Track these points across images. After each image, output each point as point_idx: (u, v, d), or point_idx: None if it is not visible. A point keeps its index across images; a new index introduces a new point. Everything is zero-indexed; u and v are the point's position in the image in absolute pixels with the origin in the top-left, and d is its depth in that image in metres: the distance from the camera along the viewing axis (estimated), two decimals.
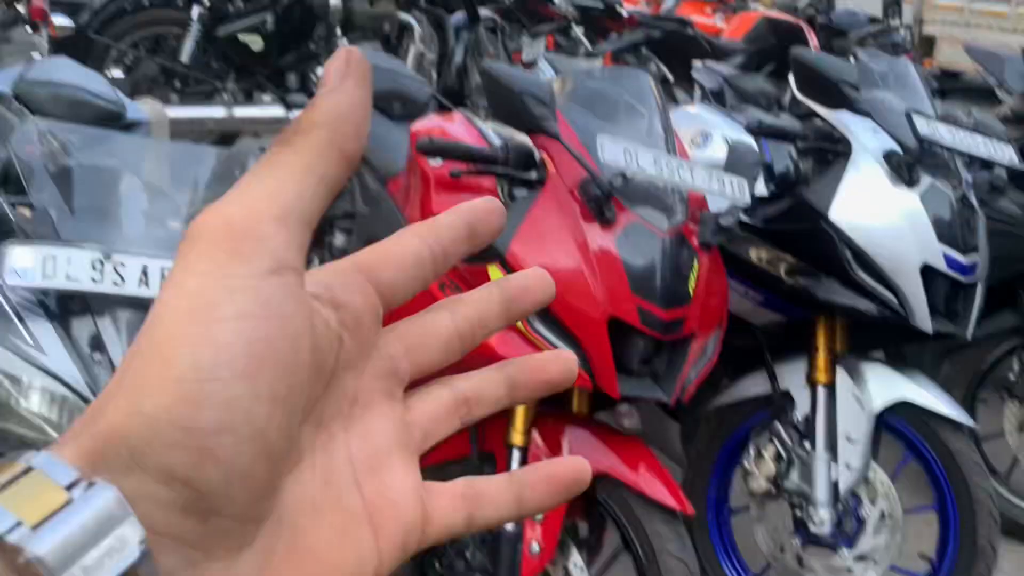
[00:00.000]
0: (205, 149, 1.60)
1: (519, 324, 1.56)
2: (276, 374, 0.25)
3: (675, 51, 5.09)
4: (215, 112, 4.33)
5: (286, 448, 0.27)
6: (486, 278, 1.60)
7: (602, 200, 1.55)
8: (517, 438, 1.72)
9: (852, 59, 3.90)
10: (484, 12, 5.38)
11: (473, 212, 0.32)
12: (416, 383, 0.33)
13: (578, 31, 5.78)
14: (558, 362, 0.34)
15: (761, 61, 4.75)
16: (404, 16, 4.73)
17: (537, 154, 1.67)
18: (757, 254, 2.06)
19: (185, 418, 0.24)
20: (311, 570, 0.28)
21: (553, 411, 1.80)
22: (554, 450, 1.71)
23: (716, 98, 3.36)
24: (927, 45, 9.06)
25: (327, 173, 0.27)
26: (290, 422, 0.26)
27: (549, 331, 1.56)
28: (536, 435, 1.72)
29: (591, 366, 1.56)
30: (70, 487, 0.23)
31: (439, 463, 1.88)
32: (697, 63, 3.61)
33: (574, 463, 0.34)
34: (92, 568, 0.23)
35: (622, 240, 1.57)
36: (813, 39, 4.69)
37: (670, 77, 5.16)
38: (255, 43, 4.23)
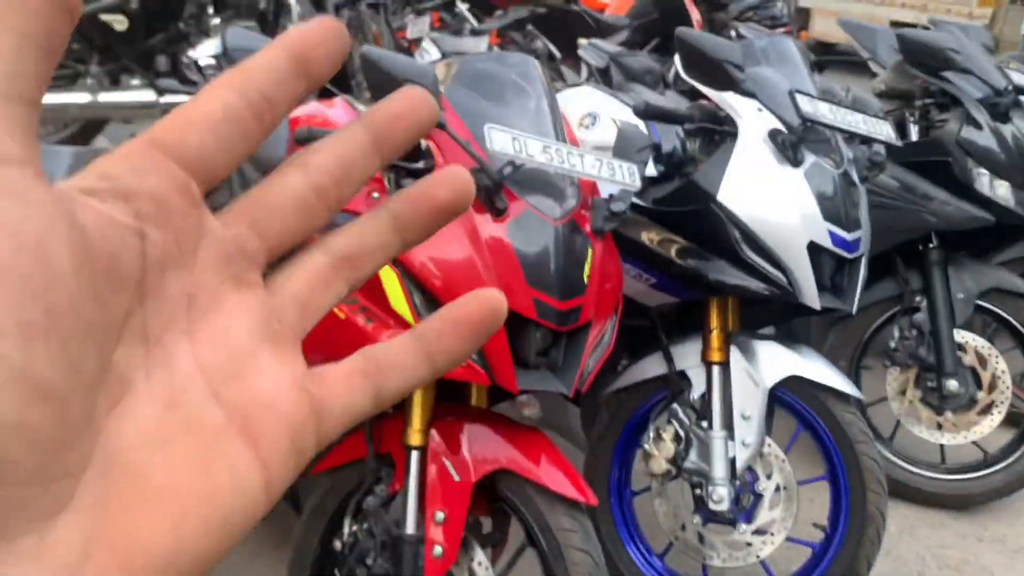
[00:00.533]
0: (59, 149, 1.46)
1: (411, 320, 1.50)
2: (16, 295, 0.20)
3: (561, 27, 5.09)
4: (78, 98, 4.06)
5: (80, 383, 0.21)
6: (377, 276, 1.53)
7: (492, 190, 1.50)
8: (415, 438, 1.66)
9: (733, 33, 3.96)
10: None
11: (301, 38, 0.26)
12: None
13: (463, 7, 5.70)
14: (448, 180, 0.29)
15: (646, 36, 4.79)
16: None
17: (424, 143, 1.60)
18: (649, 236, 2.05)
19: None
20: (172, 510, 0.23)
21: (451, 407, 1.75)
22: (453, 448, 1.66)
23: (603, 76, 3.35)
24: (803, 17, 9.38)
25: (32, 28, 0.21)
26: (71, 350, 0.21)
27: None
28: (435, 433, 1.67)
29: (488, 362, 1.51)
30: None
31: (334, 467, 1.81)
32: (583, 41, 3.59)
33: (487, 297, 0.29)
34: None
35: (514, 230, 1.52)
36: (695, 13, 4.76)
37: (557, 54, 5.15)
38: (119, 23, 3.98)
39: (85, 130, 4.30)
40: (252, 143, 0.26)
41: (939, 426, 2.70)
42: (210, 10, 4.36)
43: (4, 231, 0.20)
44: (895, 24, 6.59)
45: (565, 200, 1.62)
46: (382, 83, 1.52)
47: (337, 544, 1.77)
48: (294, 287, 0.27)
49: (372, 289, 1.54)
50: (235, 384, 0.25)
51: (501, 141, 1.48)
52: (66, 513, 0.21)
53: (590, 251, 1.62)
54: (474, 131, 1.55)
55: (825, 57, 3.70)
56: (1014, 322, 2.65)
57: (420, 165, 1.61)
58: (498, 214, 1.52)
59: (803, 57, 2.13)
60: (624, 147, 1.72)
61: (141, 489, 0.23)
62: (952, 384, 2.61)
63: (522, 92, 1.70)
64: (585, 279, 1.59)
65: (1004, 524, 2.67)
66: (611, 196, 1.68)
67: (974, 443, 2.71)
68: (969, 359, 2.66)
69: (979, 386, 2.66)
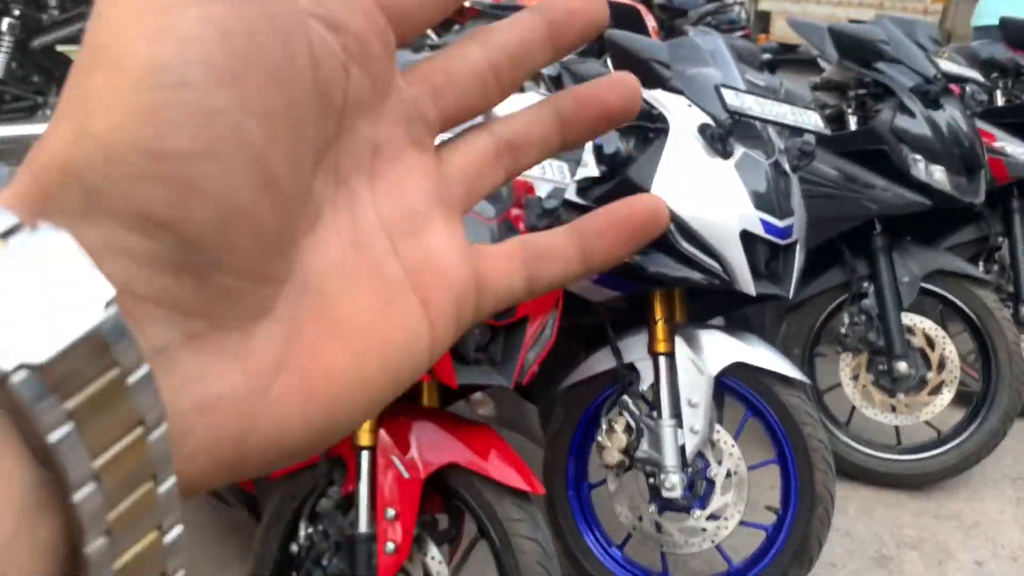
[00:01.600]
0: None
1: None
2: (268, 81, 0.20)
3: None
4: (38, 129, 4.08)
5: (297, 189, 0.21)
6: None
7: None
8: (364, 438, 1.70)
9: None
10: None
11: (564, 6, 0.27)
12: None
13: None
14: (618, 85, 0.28)
15: (603, 46, 4.86)
16: None
17: None
18: None
19: (150, 138, 0.18)
20: (355, 345, 0.23)
21: (400, 407, 1.79)
22: (402, 446, 1.70)
23: (555, 84, 3.41)
24: (764, 20, 9.54)
25: None
26: (297, 152, 0.21)
27: None
28: (383, 433, 1.70)
29: None
30: (5, 235, 0.17)
31: (289, 473, 1.85)
32: None
33: (651, 201, 0.29)
34: (36, 333, 0.17)
35: None
36: (651, 20, 4.84)
37: None
38: (75, 53, 4.00)
39: None
40: (448, 9, 0.26)
41: (892, 408, 2.76)
42: None
43: (263, 14, 0.20)
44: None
45: (498, 200, 1.67)
46: None
47: (294, 548, 1.80)
48: (463, 163, 0.27)
49: None
50: (412, 242, 0.25)
51: None
52: (268, 321, 0.22)
53: None
54: None
55: (778, 56, 3.77)
56: (959, 303, 2.72)
57: None
58: None
59: (733, 55, 2.19)
60: None
61: (330, 318, 0.23)
62: (902, 366, 2.67)
63: None
64: None
65: (960, 500, 2.73)
66: (543, 195, 1.73)
67: (927, 423, 2.77)
68: (918, 341, 2.73)
69: (928, 367, 2.72)
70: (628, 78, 0.29)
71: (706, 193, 1.94)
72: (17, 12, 3.88)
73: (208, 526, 2.45)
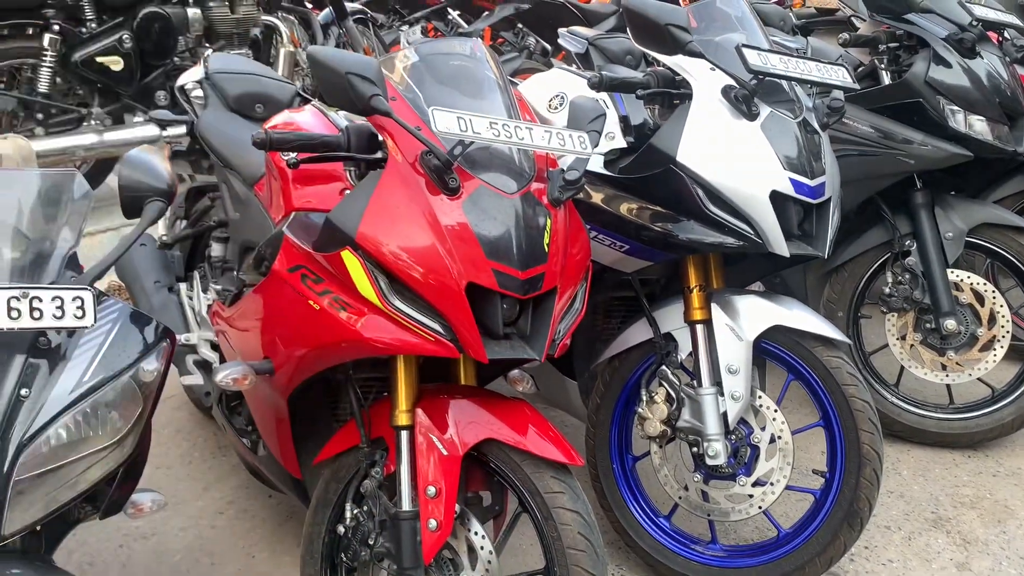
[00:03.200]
0: (25, 173, 1.55)
1: (379, 303, 1.56)
2: None
3: (548, 21, 5.12)
4: (85, 139, 4.19)
5: None
6: (342, 263, 1.59)
7: (443, 170, 1.56)
8: (402, 418, 1.72)
9: None
10: (352, 5, 5.32)
11: None
12: None
13: (454, 14, 5.78)
14: None
15: None
16: (267, 18, 4.64)
17: (379, 135, 1.67)
18: (626, 206, 2.09)
19: None
20: None
21: (436, 386, 1.81)
22: (440, 425, 1.71)
23: (583, 61, 3.39)
24: None
25: None
26: None
27: (409, 307, 1.56)
28: (420, 412, 1.72)
29: (457, 335, 1.57)
30: None
31: (333, 456, 1.88)
32: (562, 30, 3.63)
33: None
34: None
35: (469, 207, 1.58)
36: None
37: (549, 48, 5.20)
38: (115, 63, 4.10)
39: (94, 171, 4.44)
40: None
41: (943, 367, 2.70)
42: (204, 42, 4.48)
43: None
44: None
45: (519, 174, 1.67)
46: (329, 80, 1.58)
47: (341, 529, 1.83)
48: None
49: (340, 278, 1.61)
50: None
51: (445, 121, 1.53)
52: None
53: (549, 221, 1.67)
54: (424, 116, 1.61)
55: (812, 20, 3.70)
56: (1008, 255, 2.65)
57: (378, 156, 1.68)
58: (452, 193, 1.57)
59: (754, 15, 2.16)
60: (577, 118, 1.76)
61: None
62: (950, 323, 2.61)
63: (471, 74, 1.76)
64: (546, 248, 1.64)
65: (1019, 457, 2.67)
66: (565, 167, 1.72)
67: (980, 380, 2.70)
68: (966, 297, 2.67)
69: (979, 322, 2.66)
70: None
71: (733, 156, 1.91)
72: (57, 27, 3.98)
73: (264, 514, 2.50)
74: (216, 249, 2.59)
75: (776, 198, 1.90)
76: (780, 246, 1.91)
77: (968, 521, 2.38)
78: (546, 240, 1.65)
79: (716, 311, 2.08)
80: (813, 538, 2.04)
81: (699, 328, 2.08)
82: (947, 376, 2.70)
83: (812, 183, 1.94)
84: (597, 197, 2.10)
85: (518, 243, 1.59)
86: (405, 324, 1.57)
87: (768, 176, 1.90)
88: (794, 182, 1.92)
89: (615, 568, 2.27)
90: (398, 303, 1.56)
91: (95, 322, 1.32)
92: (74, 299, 1.30)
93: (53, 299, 1.28)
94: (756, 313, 2.06)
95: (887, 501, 2.47)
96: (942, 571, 2.19)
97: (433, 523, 1.66)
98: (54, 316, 1.27)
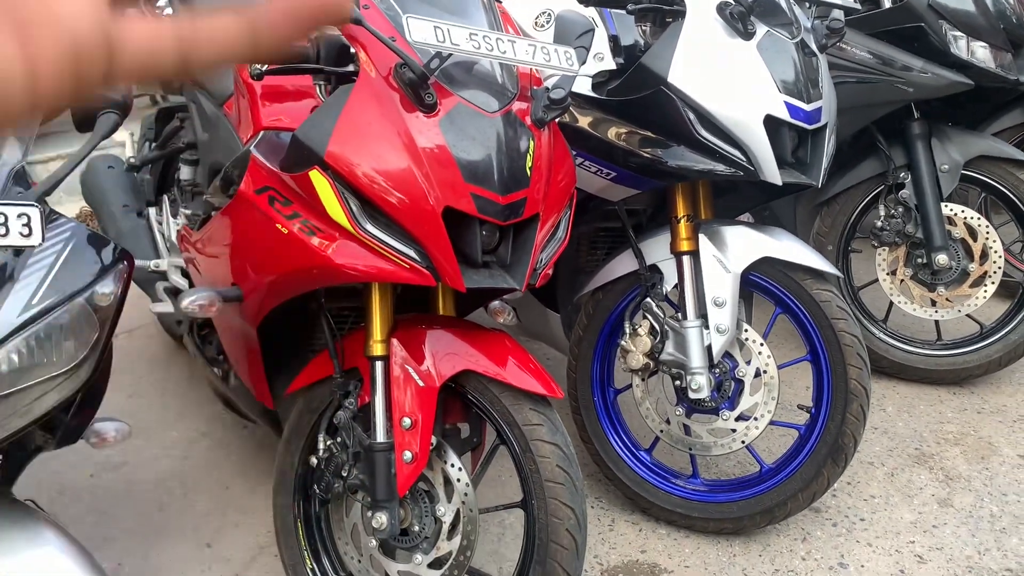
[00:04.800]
0: None
1: (350, 228, 1.48)
2: None
3: None
4: None
5: None
6: (311, 184, 1.50)
7: (418, 84, 1.46)
8: (376, 348, 1.66)
9: None
10: None
11: None
12: None
13: None
14: None
15: None
16: None
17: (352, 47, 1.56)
18: (614, 131, 2.00)
19: None
20: None
21: (412, 316, 1.74)
22: (416, 356, 1.65)
23: None
24: None
25: None
26: None
27: (383, 232, 1.48)
28: (395, 343, 1.66)
29: (434, 263, 1.49)
30: None
31: (306, 387, 1.82)
32: None
33: None
34: None
35: (447, 125, 1.48)
36: None
37: None
38: None
39: None
40: None
41: (932, 303, 2.66)
42: None
43: None
44: None
45: (501, 92, 1.57)
46: None
47: (314, 461, 1.78)
48: None
49: (309, 201, 1.52)
50: None
51: (421, 31, 1.43)
52: None
53: (532, 142, 1.58)
54: (399, 27, 1.50)
55: None
56: (1004, 189, 2.58)
57: (349, 68, 1.57)
58: (428, 110, 1.48)
59: None
60: (564, 33, 1.65)
61: None
62: (942, 258, 2.56)
63: None
64: (528, 171, 1.56)
65: (1004, 395, 2.64)
66: (550, 86, 1.63)
67: (969, 316, 2.66)
68: (959, 231, 2.61)
69: (970, 258, 2.61)
70: None
71: (727, 77, 1.82)
72: None
73: (238, 445, 2.46)
74: (185, 172, 2.48)
75: (770, 123, 1.82)
76: (773, 174, 1.83)
77: (951, 458, 2.36)
78: (528, 163, 1.56)
79: (703, 242, 2.01)
80: (796, 473, 2.01)
81: (686, 259, 2.02)
82: (936, 312, 2.66)
83: (808, 107, 1.85)
84: (583, 121, 2.00)
85: (499, 166, 1.50)
86: (379, 250, 1.49)
87: (762, 99, 1.81)
88: (789, 106, 1.83)
89: (594, 500, 2.25)
90: (371, 228, 1.48)
91: (43, 241, 1.23)
92: (20, 215, 1.21)
93: None
94: (745, 244, 1.99)
95: (871, 437, 2.45)
96: (924, 507, 2.17)
97: (408, 455, 1.61)
98: None
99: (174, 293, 2.43)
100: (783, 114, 1.82)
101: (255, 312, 1.75)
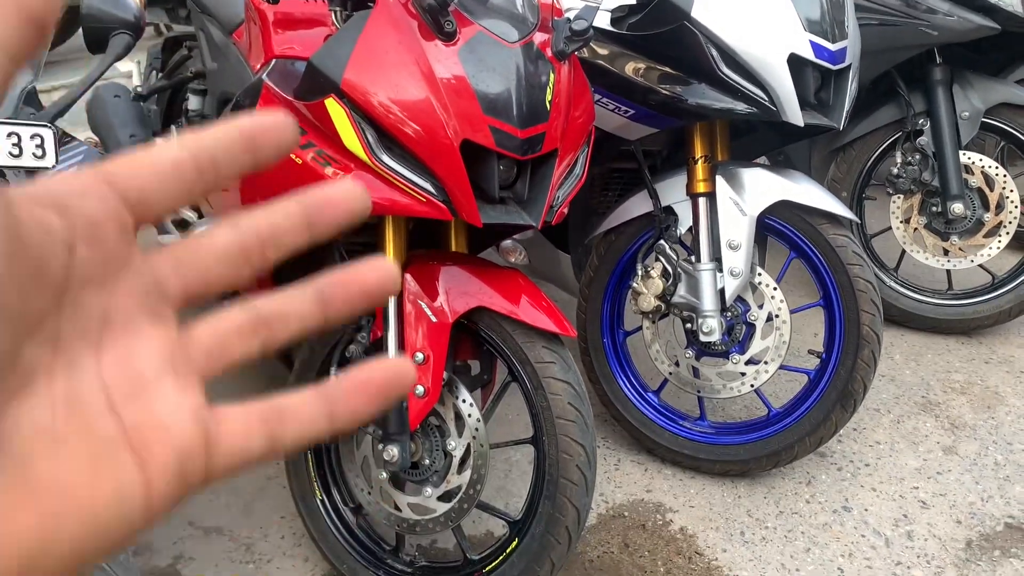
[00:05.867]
0: None
1: (366, 159, 1.46)
2: None
3: None
4: None
5: None
6: (326, 113, 1.48)
7: (437, 11, 1.42)
8: None
9: None
10: None
11: (254, 123, 0.29)
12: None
13: None
14: (375, 271, 0.31)
15: None
16: None
17: None
18: (633, 66, 1.96)
19: None
20: (49, 506, 0.24)
21: (425, 252, 1.73)
22: (430, 292, 1.64)
23: None
24: None
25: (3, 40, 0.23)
26: None
27: (399, 164, 1.46)
28: (409, 278, 1.65)
29: (451, 197, 1.47)
30: None
31: None
32: None
33: (395, 365, 0.31)
34: None
35: (466, 55, 1.45)
36: None
37: None
38: None
39: (62, 22, 4.19)
40: (191, 196, 0.28)
41: (945, 252, 2.64)
42: None
43: None
44: None
45: (522, 22, 1.54)
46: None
47: None
48: (205, 335, 0.29)
49: (324, 130, 1.49)
50: (134, 403, 0.26)
51: None
52: None
53: (552, 76, 1.54)
54: None
55: None
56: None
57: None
58: (448, 38, 1.44)
59: None
60: None
61: (25, 479, 0.24)
62: (957, 207, 2.53)
63: None
64: (548, 105, 1.53)
65: (1013, 345, 2.64)
66: (571, 16, 1.59)
67: (981, 267, 2.65)
68: (975, 180, 2.57)
69: (986, 207, 2.58)
70: (385, 266, 0.31)
71: (751, 13, 1.77)
72: None
73: (248, 378, 2.46)
74: (193, 102, 2.44)
75: (794, 62, 1.78)
76: (795, 115, 1.80)
77: (957, 406, 2.37)
78: (548, 97, 1.53)
79: (720, 183, 1.98)
80: (805, 418, 2.02)
81: (701, 201, 1.99)
82: (948, 261, 2.64)
83: (833, 47, 1.81)
84: (602, 56, 1.96)
85: (518, 99, 1.47)
86: (394, 182, 1.47)
87: (787, 37, 1.77)
88: (814, 45, 1.79)
89: (600, 440, 2.26)
90: (387, 159, 1.45)
91: (57, 163, 1.21)
92: (32, 136, 1.18)
93: (9, 135, 1.16)
94: (762, 187, 1.96)
95: (878, 384, 2.45)
96: (929, 454, 2.19)
97: (420, 389, 1.61)
98: (10, 154, 1.16)
99: (181, 225, 2.41)
100: (808, 53, 1.78)
101: None
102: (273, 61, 1.68)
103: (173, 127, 2.58)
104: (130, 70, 3.85)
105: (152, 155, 0.28)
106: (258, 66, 1.76)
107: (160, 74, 2.76)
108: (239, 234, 0.29)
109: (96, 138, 2.92)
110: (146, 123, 2.68)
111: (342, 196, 0.30)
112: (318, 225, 0.30)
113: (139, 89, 2.63)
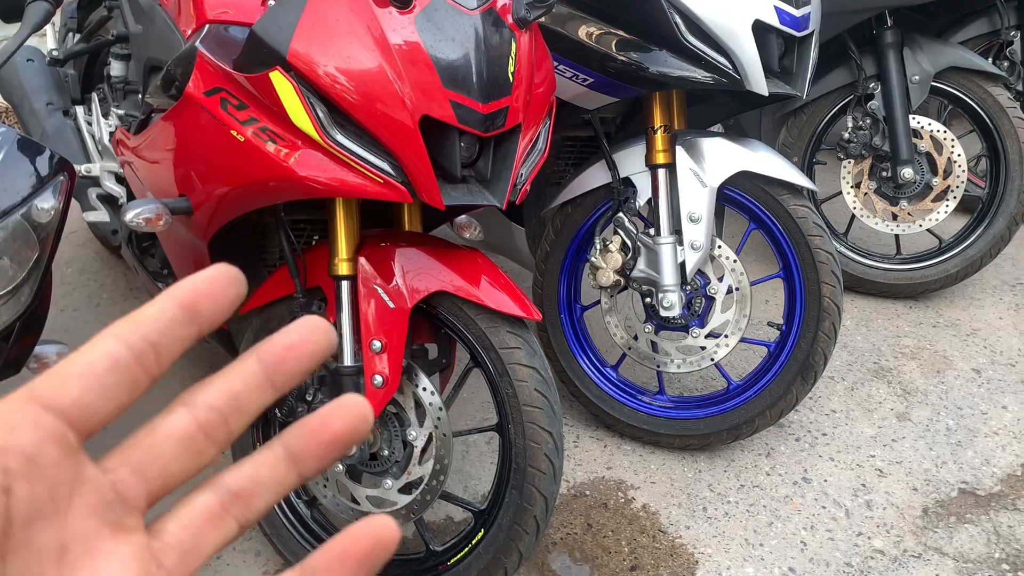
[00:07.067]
0: None
1: (317, 136, 1.35)
2: None
3: None
4: None
5: None
6: (271, 87, 1.36)
7: None
8: (342, 267, 1.55)
9: None
10: None
11: (192, 289, 0.27)
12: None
13: None
14: (342, 412, 0.29)
15: None
16: None
17: None
18: (585, 30, 1.87)
19: None
20: None
21: (380, 233, 1.63)
22: (385, 275, 1.55)
23: None
24: None
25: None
26: None
27: (354, 143, 1.35)
28: (363, 261, 1.55)
29: (409, 177, 1.37)
30: None
31: (262, 306, 1.71)
32: None
33: (372, 527, 0.28)
34: None
35: (423, 23, 1.35)
36: None
37: None
38: None
39: None
40: (139, 388, 0.26)
41: (894, 216, 2.65)
42: None
43: None
44: None
45: None
46: None
47: None
48: (177, 532, 0.27)
49: (269, 105, 1.38)
50: None
51: None
52: None
53: (514, 45, 1.45)
54: None
55: None
56: (970, 101, 2.55)
57: None
58: (403, 5, 1.33)
59: None
60: None
61: None
62: (907, 172, 2.53)
63: None
64: (510, 77, 1.43)
65: (958, 309, 2.67)
66: None
67: (929, 231, 2.67)
68: (924, 145, 2.58)
69: (934, 172, 2.59)
70: (355, 401, 0.29)
71: None
72: None
73: (186, 365, 2.33)
74: (116, 68, 2.27)
75: (758, 29, 1.72)
76: (759, 83, 1.74)
77: (908, 372, 2.39)
78: (511, 68, 1.44)
79: (680, 154, 1.92)
80: (765, 391, 2.00)
81: (661, 172, 1.93)
82: (897, 226, 2.65)
83: (798, 13, 1.76)
84: (558, 21, 1.87)
85: (479, 70, 1.38)
86: (348, 162, 1.36)
87: (752, 3, 1.70)
88: (779, 11, 1.73)
89: None
90: (340, 137, 1.35)
91: None
92: None
93: None
94: (722, 157, 1.91)
95: None
96: (883, 421, 2.20)
97: (379, 379, 1.53)
98: None
99: (109, 201, 2.26)
100: (772, 19, 1.72)
101: (205, 226, 1.61)
102: (207, 26, 1.55)
103: (94, 94, 2.40)
104: (44, 31, 3.59)
105: (85, 358, 0.26)
106: (189, 32, 1.62)
107: (77, 35, 2.56)
108: (196, 413, 0.27)
109: (7, 105, 2.71)
110: (63, 90, 2.49)
111: (302, 338, 0.28)
112: (281, 378, 0.28)
113: (55, 53, 2.43)
